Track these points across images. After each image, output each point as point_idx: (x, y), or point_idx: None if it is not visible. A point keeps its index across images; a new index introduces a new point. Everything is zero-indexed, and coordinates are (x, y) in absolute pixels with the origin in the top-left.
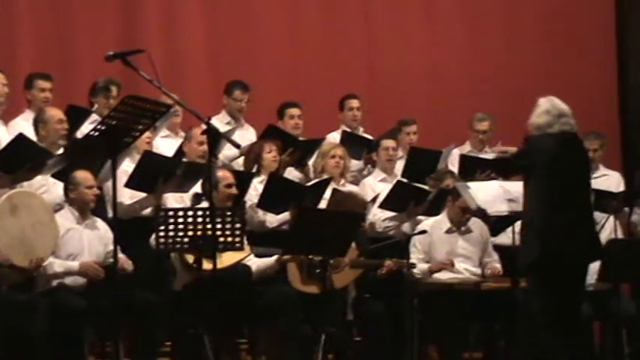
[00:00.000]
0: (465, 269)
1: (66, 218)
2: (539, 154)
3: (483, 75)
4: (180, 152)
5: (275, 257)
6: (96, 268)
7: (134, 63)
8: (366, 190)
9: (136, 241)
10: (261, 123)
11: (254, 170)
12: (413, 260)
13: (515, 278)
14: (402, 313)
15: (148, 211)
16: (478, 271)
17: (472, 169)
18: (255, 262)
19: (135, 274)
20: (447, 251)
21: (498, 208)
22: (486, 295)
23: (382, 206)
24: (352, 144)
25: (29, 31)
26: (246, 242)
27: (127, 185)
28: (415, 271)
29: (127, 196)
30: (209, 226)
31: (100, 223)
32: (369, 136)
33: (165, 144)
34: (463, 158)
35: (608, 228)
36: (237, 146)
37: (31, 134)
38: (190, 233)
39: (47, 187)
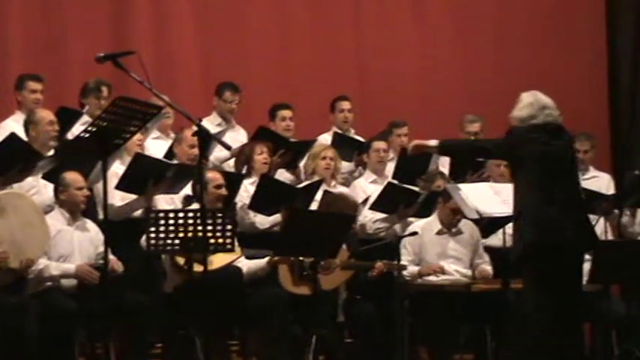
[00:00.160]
0: (456, 271)
1: (56, 220)
2: (526, 145)
3: (474, 76)
4: (170, 154)
5: (266, 259)
6: (91, 271)
7: (125, 64)
8: (357, 192)
9: (126, 243)
10: (252, 124)
11: (244, 172)
12: (403, 262)
13: (506, 279)
14: (392, 314)
15: (138, 212)
16: (469, 272)
17: (463, 170)
18: (246, 264)
19: (125, 276)
20: (438, 253)
21: (489, 209)
22: (477, 296)
23: (373, 208)
24: (343, 145)
25: (20, 32)
26: (237, 244)
27: (118, 187)
28: (405, 273)
29: (118, 198)
30: (200, 227)
31: (91, 225)
32: (360, 138)
33: (156, 145)
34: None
35: (598, 229)
36: (228, 148)
37: (21, 136)
38: (181, 235)
39: (38, 188)
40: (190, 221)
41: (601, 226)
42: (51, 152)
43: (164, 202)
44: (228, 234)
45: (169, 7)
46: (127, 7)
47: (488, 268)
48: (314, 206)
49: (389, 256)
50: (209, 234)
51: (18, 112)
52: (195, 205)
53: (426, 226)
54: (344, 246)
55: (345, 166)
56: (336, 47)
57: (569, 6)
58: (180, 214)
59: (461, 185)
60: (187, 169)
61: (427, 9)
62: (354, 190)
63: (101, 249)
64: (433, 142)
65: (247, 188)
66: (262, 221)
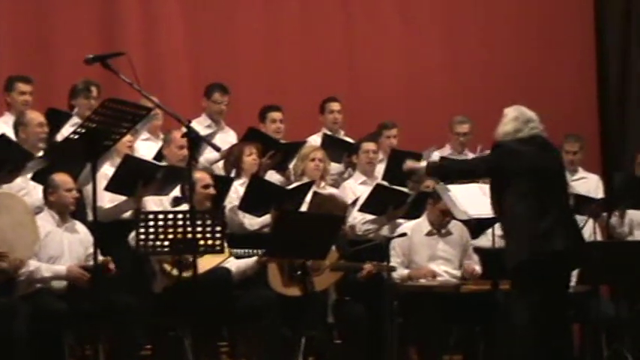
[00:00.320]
0: (445, 272)
1: (46, 221)
2: (515, 158)
3: (462, 78)
4: (160, 155)
5: (255, 258)
6: (83, 273)
7: (114, 66)
8: (347, 193)
9: (115, 245)
10: (242, 126)
11: (234, 173)
12: (393, 263)
13: (495, 280)
14: (382, 315)
15: (127, 214)
16: (458, 273)
17: None
18: (234, 263)
19: (115, 277)
20: (427, 254)
21: (478, 210)
22: (466, 297)
23: (362, 209)
24: (333, 147)
25: (9, 33)
26: (226, 245)
27: (107, 189)
28: (395, 275)
29: (107, 200)
30: (189, 229)
31: (80, 226)
32: (350, 139)
33: (146, 147)
34: (443, 160)
35: (587, 230)
36: (218, 149)
37: (10, 137)
38: (171, 236)
39: (27, 190)
40: (180, 223)
41: (590, 228)
42: (40, 154)
43: (153, 203)
44: (218, 235)
45: (159, 8)
46: (117, 9)
47: (476, 266)
48: (304, 208)
49: (378, 258)
50: (198, 235)
51: (7, 114)
52: (185, 207)
53: (416, 227)
54: (333, 247)
55: (335, 167)
56: (325, 49)
57: (558, 8)
58: (170, 216)
59: (450, 186)
60: (177, 171)
61: (416, 11)
62: (344, 192)
63: (91, 250)
64: (422, 164)
65: (237, 189)
66: (252, 222)
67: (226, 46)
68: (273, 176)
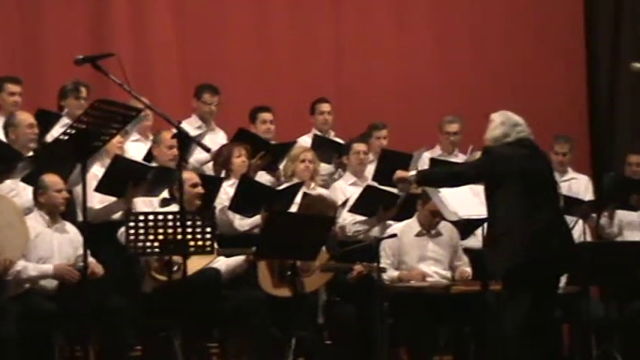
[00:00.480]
0: (435, 272)
1: (36, 222)
2: (505, 162)
3: (453, 78)
4: (149, 156)
5: (244, 256)
6: (70, 270)
7: (104, 67)
8: (337, 194)
9: (105, 245)
10: (232, 127)
11: (223, 175)
12: (382, 264)
13: (485, 281)
14: (372, 316)
15: (118, 215)
16: (448, 274)
17: None
18: (224, 262)
19: (105, 278)
20: (417, 255)
21: (468, 211)
22: (456, 298)
23: (352, 210)
24: (323, 148)
25: None
26: (216, 246)
27: (97, 189)
28: (384, 277)
29: (97, 201)
30: (179, 229)
31: (70, 227)
32: (340, 140)
33: (135, 148)
34: (433, 161)
35: (577, 231)
36: (208, 150)
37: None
38: (161, 237)
39: (17, 191)
40: (170, 223)
41: (580, 228)
42: (30, 154)
43: (143, 204)
44: (208, 236)
45: (149, 9)
46: (107, 10)
47: (467, 269)
48: (294, 208)
49: (368, 259)
50: (189, 236)
51: None
52: (174, 207)
53: (406, 228)
54: (323, 248)
55: (325, 168)
56: (315, 49)
57: (548, 9)
58: (160, 217)
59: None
60: (167, 172)
61: (406, 11)
62: (334, 192)
63: (80, 251)
64: (412, 173)
65: (226, 190)
66: (242, 223)
67: (216, 47)
68: (263, 177)
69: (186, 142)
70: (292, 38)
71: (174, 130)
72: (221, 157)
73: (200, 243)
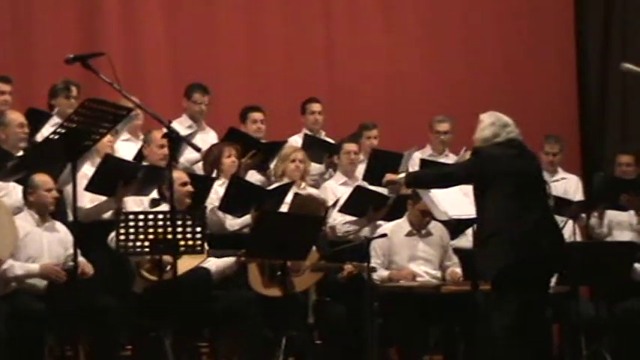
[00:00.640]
0: (425, 272)
1: (25, 221)
2: (495, 162)
3: (443, 79)
4: (140, 155)
5: (234, 257)
6: (57, 270)
7: (94, 66)
8: (327, 194)
9: (96, 245)
10: (223, 126)
11: (214, 174)
12: (373, 264)
13: (475, 281)
14: (362, 316)
15: (108, 214)
16: (438, 274)
17: None
18: (214, 263)
19: (95, 278)
20: (407, 254)
21: (458, 211)
22: (446, 298)
23: (342, 211)
24: (314, 147)
25: None
26: (206, 246)
27: (87, 189)
28: (375, 277)
29: (87, 200)
30: (170, 229)
31: (60, 226)
32: (331, 140)
33: (126, 147)
34: (424, 162)
35: (567, 231)
36: (198, 150)
37: None
38: (151, 237)
39: (7, 190)
40: (160, 223)
41: (570, 229)
42: (20, 154)
43: (133, 203)
44: (198, 236)
45: (139, 8)
46: (97, 9)
47: (458, 270)
48: (284, 208)
49: (359, 258)
50: (179, 236)
51: None
52: (164, 207)
53: (396, 227)
54: (314, 248)
55: (316, 167)
56: (306, 49)
57: (539, 10)
58: (150, 216)
59: None
60: (157, 171)
61: (397, 12)
62: (325, 192)
63: (71, 250)
64: (401, 175)
65: (217, 190)
66: (232, 223)
67: (207, 46)
68: (253, 176)
69: (176, 142)
70: (283, 38)
71: (165, 130)
72: (211, 157)
73: (190, 243)
